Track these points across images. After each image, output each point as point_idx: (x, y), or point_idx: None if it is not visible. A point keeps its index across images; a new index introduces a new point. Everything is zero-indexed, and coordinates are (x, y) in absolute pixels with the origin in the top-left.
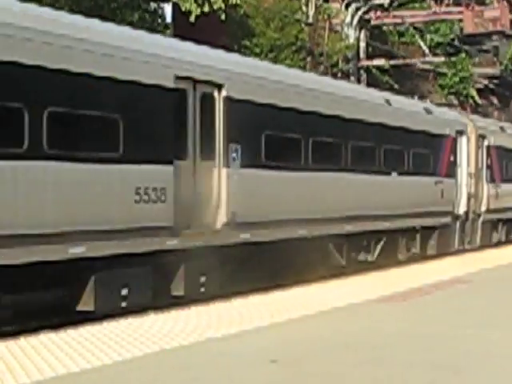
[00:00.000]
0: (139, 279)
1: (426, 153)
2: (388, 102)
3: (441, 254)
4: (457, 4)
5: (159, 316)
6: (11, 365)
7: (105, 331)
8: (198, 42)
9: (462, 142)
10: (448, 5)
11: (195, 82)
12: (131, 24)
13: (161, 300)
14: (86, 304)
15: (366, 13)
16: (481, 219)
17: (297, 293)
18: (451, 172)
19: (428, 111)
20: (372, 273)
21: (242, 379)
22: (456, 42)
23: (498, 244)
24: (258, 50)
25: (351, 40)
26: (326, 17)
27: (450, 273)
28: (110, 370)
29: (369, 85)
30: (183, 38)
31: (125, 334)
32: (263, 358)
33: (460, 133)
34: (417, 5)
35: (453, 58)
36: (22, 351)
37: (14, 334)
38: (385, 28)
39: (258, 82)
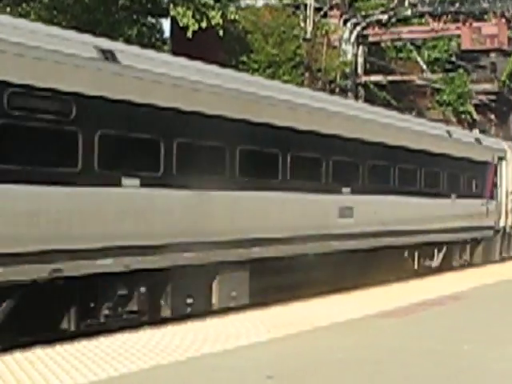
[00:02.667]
0: None
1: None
2: (449, 133)
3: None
4: (454, 20)
5: (155, 331)
6: (8, 379)
7: (102, 346)
8: (196, 57)
9: (503, 166)
10: (446, 21)
11: None
12: (129, 39)
13: None
14: None
15: (364, 29)
16: None
17: (296, 308)
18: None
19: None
20: (373, 288)
21: None
22: (453, 59)
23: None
24: (256, 66)
25: (349, 56)
26: (324, 33)
27: (451, 288)
28: (113, 382)
29: (366, 101)
30: (181, 53)
31: (122, 349)
32: (259, 374)
33: (501, 158)
34: (415, 21)
35: (450, 75)
36: (18, 366)
37: (8, 349)
38: (383, 44)
39: None
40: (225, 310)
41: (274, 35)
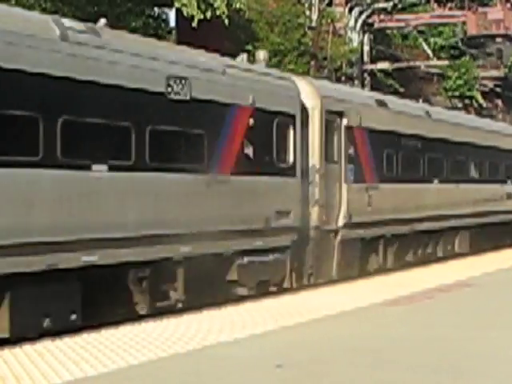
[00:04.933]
0: None
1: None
2: None
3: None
4: (460, 7)
5: (163, 321)
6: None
7: (118, 335)
8: (201, 47)
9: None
10: (451, 8)
11: None
12: (135, 30)
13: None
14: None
15: (369, 16)
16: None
17: (304, 297)
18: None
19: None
20: (376, 277)
21: None
22: (460, 45)
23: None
24: None
25: (355, 44)
26: (329, 21)
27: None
28: (122, 373)
29: (373, 88)
30: (186, 43)
31: (139, 337)
32: (269, 363)
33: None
34: (420, 8)
35: (457, 61)
36: (40, 356)
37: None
38: (388, 31)
39: None
40: (235, 300)
41: (279, 24)
